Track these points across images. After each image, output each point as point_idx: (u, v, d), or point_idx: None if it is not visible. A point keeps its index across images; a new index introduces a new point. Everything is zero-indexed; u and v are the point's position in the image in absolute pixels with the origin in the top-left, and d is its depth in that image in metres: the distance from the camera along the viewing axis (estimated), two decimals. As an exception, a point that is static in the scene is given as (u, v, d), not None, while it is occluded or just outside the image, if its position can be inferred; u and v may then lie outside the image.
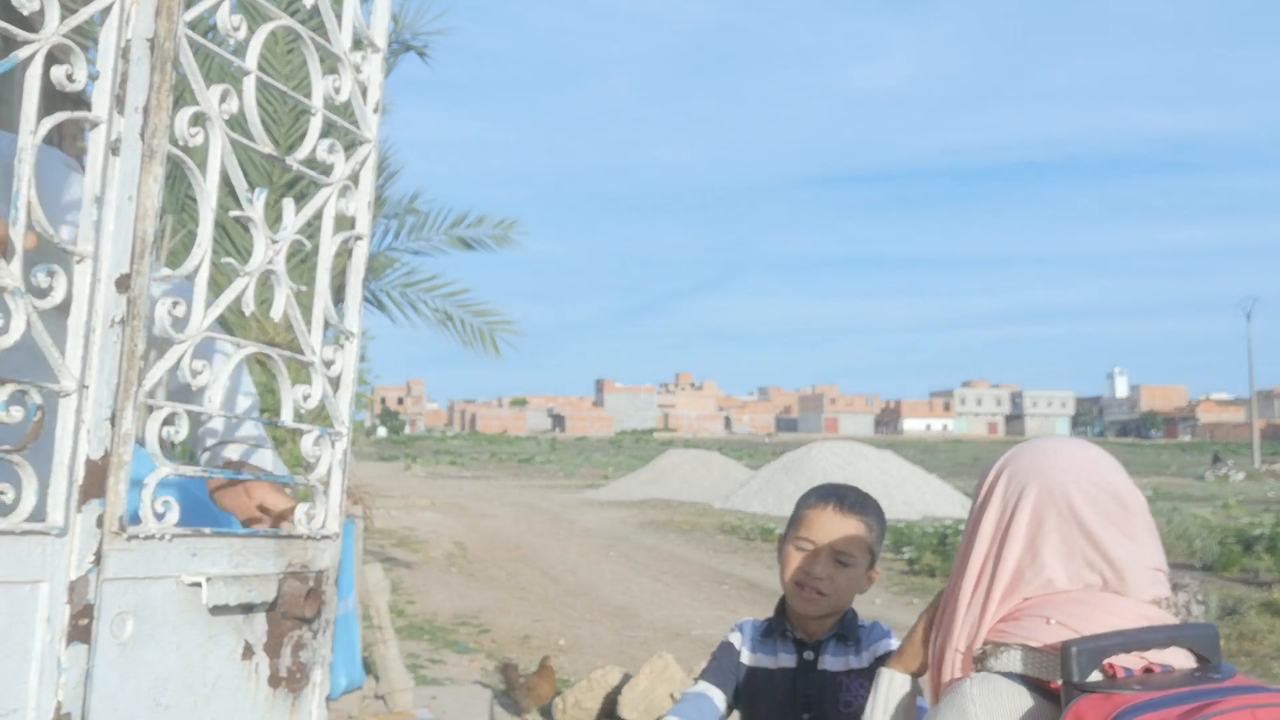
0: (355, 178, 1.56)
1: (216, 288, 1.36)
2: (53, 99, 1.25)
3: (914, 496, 23.25)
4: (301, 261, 5.43)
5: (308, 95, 1.47)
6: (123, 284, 1.19)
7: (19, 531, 1.09)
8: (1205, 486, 34.60)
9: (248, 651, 1.40)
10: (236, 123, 1.36)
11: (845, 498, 2.02)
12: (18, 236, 1.09)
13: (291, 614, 1.45)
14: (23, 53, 1.09)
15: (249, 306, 1.36)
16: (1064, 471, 1.32)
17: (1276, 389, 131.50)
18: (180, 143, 1.26)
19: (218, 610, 1.34)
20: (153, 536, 1.25)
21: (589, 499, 28.09)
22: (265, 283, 1.42)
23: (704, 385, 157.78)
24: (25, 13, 1.10)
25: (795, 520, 2.04)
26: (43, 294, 1.13)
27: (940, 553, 14.09)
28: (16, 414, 1.07)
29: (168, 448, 1.27)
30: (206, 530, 1.35)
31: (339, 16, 1.51)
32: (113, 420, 1.19)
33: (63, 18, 1.12)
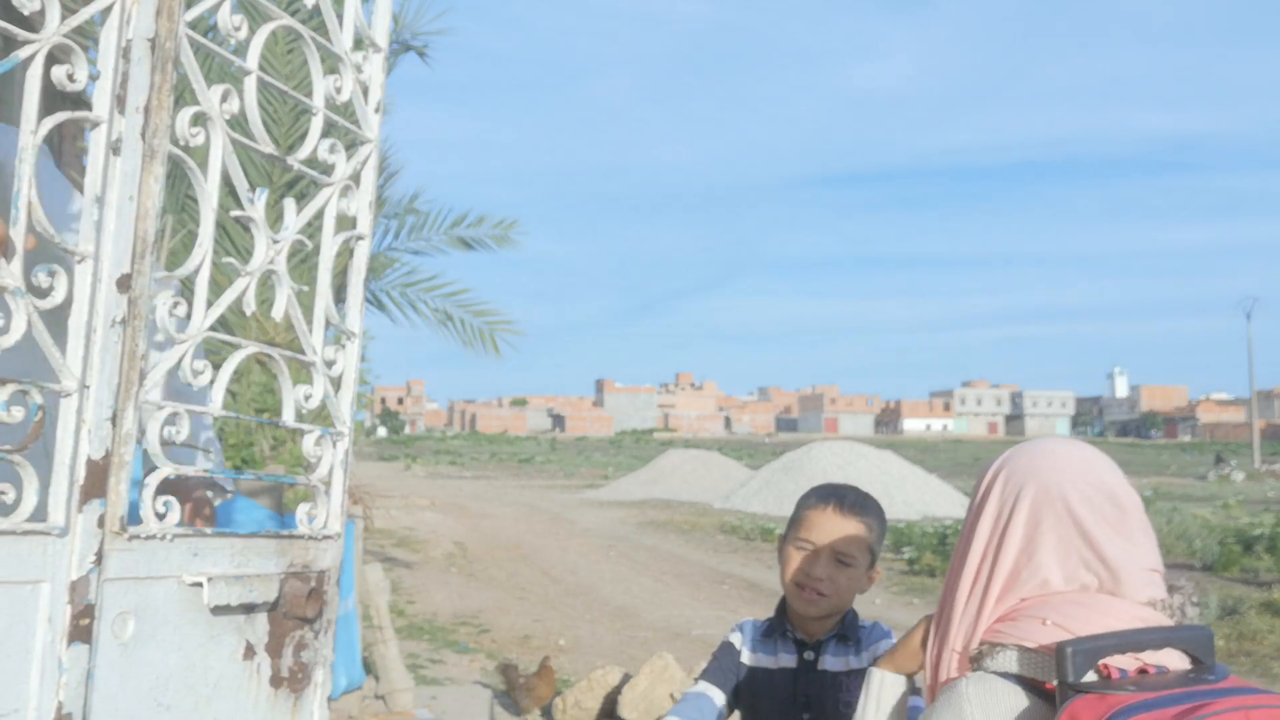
0: (356, 177, 1.56)
1: (217, 288, 1.36)
2: (53, 99, 1.25)
3: (914, 496, 23.24)
4: (302, 261, 5.43)
5: (309, 95, 1.47)
6: (123, 284, 1.19)
7: (20, 531, 1.09)
8: (1205, 486, 34.58)
9: (249, 651, 1.40)
10: (237, 122, 1.36)
11: (845, 498, 2.02)
12: (18, 236, 1.09)
13: (293, 614, 1.45)
14: (23, 53, 1.09)
15: (250, 306, 1.36)
16: (1060, 472, 1.32)
17: (1276, 389, 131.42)
18: (181, 142, 1.26)
19: (219, 610, 1.34)
20: (154, 536, 1.25)
21: (589, 499, 28.08)
22: (266, 282, 1.42)
23: (704, 385, 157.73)
24: (26, 13, 1.10)
25: (795, 521, 2.04)
26: (43, 294, 1.12)
27: (940, 553, 14.08)
28: (17, 414, 1.07)
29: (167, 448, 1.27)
30: (208, 530, 1.35)
31: (340, 16, 1.51)
32: (113, 420, 1.19)
33: (63, 18, 1.12)
